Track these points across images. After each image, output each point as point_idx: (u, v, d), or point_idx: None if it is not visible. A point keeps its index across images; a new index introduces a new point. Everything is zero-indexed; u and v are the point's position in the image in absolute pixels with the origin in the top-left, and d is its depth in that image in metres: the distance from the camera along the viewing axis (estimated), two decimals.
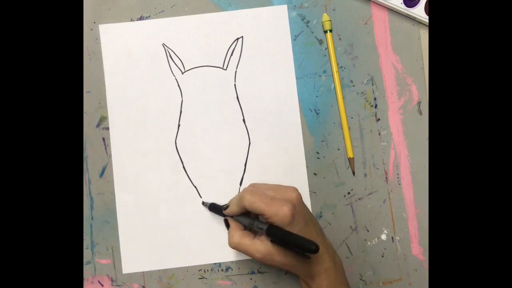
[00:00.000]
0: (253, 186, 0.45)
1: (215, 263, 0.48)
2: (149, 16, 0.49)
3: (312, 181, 0.48)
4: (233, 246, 0.42)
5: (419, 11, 0.48)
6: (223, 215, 0.46)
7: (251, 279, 0.48)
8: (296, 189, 0.42)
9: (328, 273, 0.41)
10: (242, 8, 0.49)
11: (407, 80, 0.49)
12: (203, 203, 0.48)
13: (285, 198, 0.41)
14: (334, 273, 0.41)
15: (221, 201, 0.47)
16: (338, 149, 0.48)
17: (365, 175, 0.48)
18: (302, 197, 0.42)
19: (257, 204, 0.40)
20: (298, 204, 0.41)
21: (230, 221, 0.45)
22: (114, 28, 0.49)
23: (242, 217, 0.44)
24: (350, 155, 0.48)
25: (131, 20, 0.49)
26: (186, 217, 0.48)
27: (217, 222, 0.48)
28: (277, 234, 0.39)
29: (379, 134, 0.48)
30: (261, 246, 0.40)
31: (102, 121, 0.48)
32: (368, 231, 0.48)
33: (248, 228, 0.43)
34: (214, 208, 0.47)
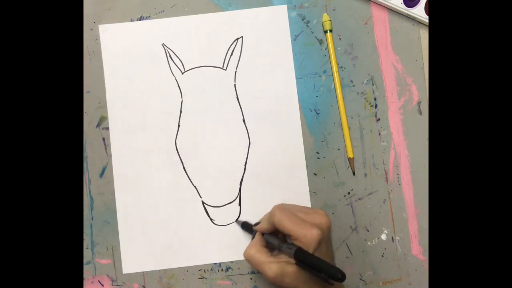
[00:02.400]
0: (282, 206, 0.44)
1: (215, 263, 0.48)
2: (149, 16, 0.49)
3: (312, 181, 0.48)
4: (247, 257, 0.42)
5: (419, 11, 0.48)
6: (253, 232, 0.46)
7: (251, 279, 0.48)
8: (326, 214, 0.42)
9: None
10: (242, 8, 0.49)
11: (407, 80, 0.49)
12: (237, 221, 0.47)
13: (315, 222, 0.40)
14: None
15: (222, 202, 0.48)
16: (338, 149, 0.48)
17: (365, 175, 0.48)
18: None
19: (286, 222, 0.40)
20: (326, 231, 0.41)
21: (257, 234, 0.44)
22: (114, 28, 0.49)
23: (272, 236, 0.43)
24: (350, 155, 0.48)
25: (131, 20, 0.49)
26: (186, 217, 0.48)
27: (217, 222, 0.48)
28: (305, 258, 0.38)
29: (379, 134, 0.48)
30: (276, 266, 0.40)
31: (102, 121, 0.48)
32: (368, 231, 0.48)
33: (276, 248, 0.43)
34: (246, 226, 0.47)
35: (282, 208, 0.42)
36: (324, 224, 0.41)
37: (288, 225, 0.40)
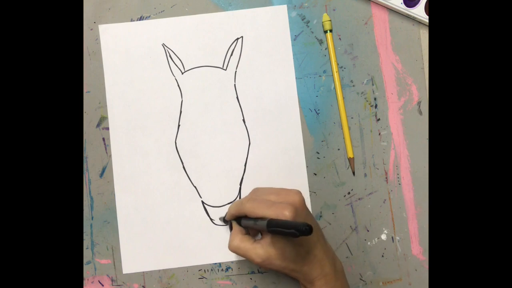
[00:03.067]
0: (256, 190, 0.44)
1: (215, 263, 0.48)
2: (149, 16, 0.49)
3: (312, 181, 0.48)
4: (232, 249, 0.43)
5: (419, 11, 0.48)
6: (227, 222, 0.47)
7: (251, 279, 0.48)
8: (299, 192, 0.42)
9: (327, 278, 0.41)
10: (242, 8, 0.49)
11: (407, 80, 0.49)
12: (219, 219, 0.48)
13: (288, 202, 0.40)
14: (334, 278, 0.41)
15: (222, 202, 0.48)
16: (338, 149, 0.48)
17: (365, 175, 0.48)
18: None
19: (257, 209, 0.40)
20: (300, 207, 0.40)
21: (234, 224, 0.45)
22: (114, 28, 0.49)
23: (246, 219, 0.43)
24: (350, 155, 0.48)
25: (131, 20, 0.49)
26: (186, 217, 0.48)
27: (217, 222, 0.48)
28: (275, 223, 0.38)
29: (379, 134, 0.48)
30: (261, 250, 0.40)
31: (102, 121, 0.48)
32: (368, 231, 0.48)
33: (252, 227, 0.43)
34: (225, 221, 0.47)
35: (251, 197, 0.42)
36: (297, 202, 0.40)
37: (260, 210, 0.40)
